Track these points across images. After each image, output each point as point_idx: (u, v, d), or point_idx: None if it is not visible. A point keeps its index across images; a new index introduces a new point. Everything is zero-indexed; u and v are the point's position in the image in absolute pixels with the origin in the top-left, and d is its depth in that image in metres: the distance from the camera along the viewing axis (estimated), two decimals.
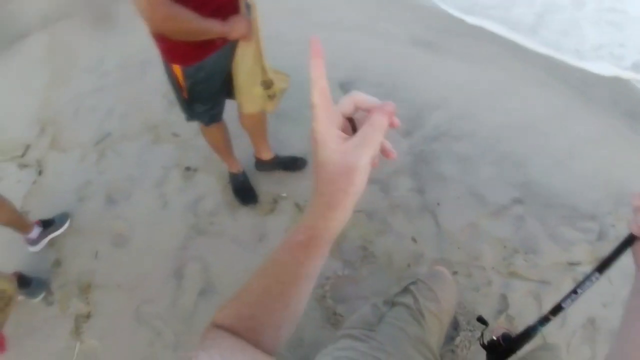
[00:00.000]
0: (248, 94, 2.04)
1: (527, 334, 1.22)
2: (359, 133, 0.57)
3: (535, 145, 2.96)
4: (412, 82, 3.32)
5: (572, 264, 2.42)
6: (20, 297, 2.31)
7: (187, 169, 2.84)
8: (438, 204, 2.64)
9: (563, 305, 1.11)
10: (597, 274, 1.02)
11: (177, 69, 1.81)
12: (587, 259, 2.42)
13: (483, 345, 1.33)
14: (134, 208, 2.72)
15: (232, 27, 1.69)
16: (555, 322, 2.12)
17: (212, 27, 1.63)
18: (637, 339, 0.75)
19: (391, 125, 0.59)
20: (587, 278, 1.03)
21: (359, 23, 3.88)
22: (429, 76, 3.40)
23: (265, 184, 2.73)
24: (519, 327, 2.13)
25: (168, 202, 2.72)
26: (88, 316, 2.36)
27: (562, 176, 2.79)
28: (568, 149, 2.95)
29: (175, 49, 1.75)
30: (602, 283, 2.24)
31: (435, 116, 3.09)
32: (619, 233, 2.59)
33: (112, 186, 2.82)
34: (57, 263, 2.57)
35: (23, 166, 3.01)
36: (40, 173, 2.96)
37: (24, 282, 2.34)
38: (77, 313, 2.37)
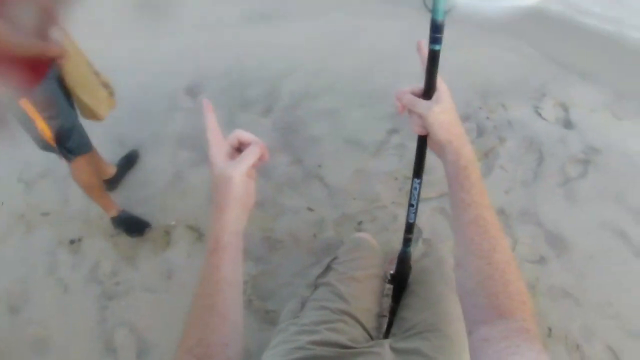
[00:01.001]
0: (96, 100, 2.19)
1: (402, 259, 1.34)
2: (238, 156, 0.81)
3: (393, 73, 3.01)
4: (259, 59, 3.31)
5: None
6: None
7: (72, 242, 2.72)
8: (319, 165, 2.68)
9: (410, 220, 1.19)
10: (416, 180, 1.08)
11: (27, 105, 1.84)
12: (474, 158, 2.51)
13: (388, 281, 1.42)
14: (38, 307, 2.58)
15: (50, 46, 1.79)
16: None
17: (34, 43, 1.72)
18: (464, 235, 0.81)
19: (262, 159, 0.86)
20: (412, 188, 1.10)
21: (191, 20, 3.76)
22: (273, 47, 3.39)
23: (149, 220, 2.68)
24: (438, 247, 2.23)
25: (68, 284, 2.60)
26: None
27: None
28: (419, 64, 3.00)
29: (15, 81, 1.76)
30: (497, 172, 2.42)
31: (289, 84, 3.10)
32: (497, 123, 2.74)
33: (8, 295, 2.66)
34: None
35: None
36: None
37: None
38: None
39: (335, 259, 1.46)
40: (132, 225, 2.64)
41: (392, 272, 1.41)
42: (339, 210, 2.49)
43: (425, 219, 2.39)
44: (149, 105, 3.16)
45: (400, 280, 1.40)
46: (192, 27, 3.76)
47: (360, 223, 2.42)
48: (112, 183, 2.80)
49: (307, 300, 1.31)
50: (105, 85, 2.27)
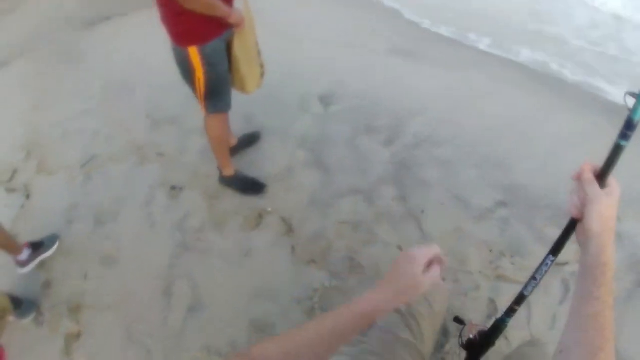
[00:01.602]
0: (251, 75, 2.42)
1: (497, 327, 1.28)
2: (429, 271, 0.95)
3: (516, 146, 3.02)
4: (392, 91, 3.42)
5: (559, 264, 2.41)
6: (11, 318, 2.33)
7: (173, 187, 2.90)
8: (422, 211, 2.70)
9: (525, 293, 1.16)
10: (551, 257, 1.08)
11: (195, 54, 2.08)
12: (574, 258, 2.39)
13: (463, 346, 1.36)
14: (122, 229, 2.77)
15: (233, 13, 2.04)
16: (544, 324, 2.19)
17: (222, 7, 1.97)
18: (579, 326, 0.83)
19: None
20: (543, 263, 1.10)
21: (338, 37, 4.00)
22: (408, 85, 3.50)
23: (249, 199, 2.80)
24: (508, 332, 2.09)
25: (155, 221, 2.77)
26: (78, 336, 2.38)
27: (544, 176, 2.82)
28: (549, 148, 3.00)
29: (193, 30, 2.04)
30: None
31: (415, 123, 3.18)
32: None
33: (100, 208, 2.86)
34: (47, 284, 2.59)
35: (11, 190, 3.04)
36: (28, 197, 3.00)
37: (15, 304, 2.35)
38: (68, 333, 2.39)
39: None
40: (248, 184, 2.82)
41: (471, 336, 1.35)
42: None
43: (506, 300, 2.26)
44: (284, 99, 3.35)
45: (480, 349, 1.34)
46: (339, 43, 3.95)
47: (442, 280, 2.40)
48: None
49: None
50: (261, 65, 2.50)
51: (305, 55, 3.80)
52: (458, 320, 1.48)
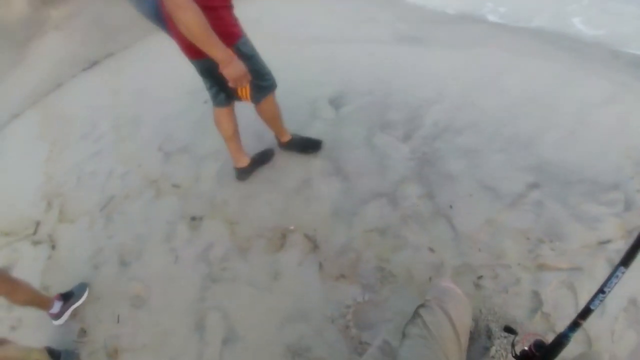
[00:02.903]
0: None
1: (559, 342, 1.17)
2: None
3: (541, 120, 2.82)
4: (403, 82, 3.26)
5: (602, 243, 2.23)
6: None
7: (193, 218, 2.86)
8: (450, 206, 2.54)
9: (592, 307, 1.07)
10: (622, 269, 0.99)
11: None
12: (617, 234, 2.23)
13: (516, 357, 1.27)
14: (147, 267, 2.74)
15: (228, 65, 1.95)
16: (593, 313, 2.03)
17: (216, 46, 1.87)
18: None
19: None
20: (613, 274, 1.01)
21: (340, 32, 3.87)
22: (420, 72, 3.34)
23: (269, 219, 2.72)
24: (556, 325, 2.01)
25: (179, 255, 2.73)
26: None
27: (575, 148, 2.63)
28: (576, 117, 2.80)
29: (228, 32, 2.03)
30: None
31: (432, 113, 3.02)
32: None
33: (123, 248, 2.85)
34: (83, 332, 2.60)
35: (36, 243, 3.08)
36: (53, 247, 3.02)
37: (54, 356, 2.37)
38: None
39: (422, 305, 1.38)
40: (305, 144, 2.95)
41: (525, 348, 1.25)
42: (461, 259, 2.33)
43: (550, 290, 2.15)
44: (293, 108, 3.23)
45: None
46: (341, 38, 3.83)
47: (480, 278, 2.25)
48: (243, 174, 2.92)
49: (397, 352, 1.25)
50: None
51: (309, 57, 3.70)
52: (509, 330, 1.39)
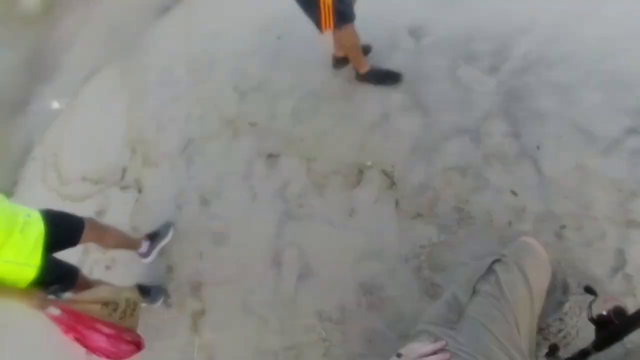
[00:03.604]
0: None
1: None
2: None
3: None
4: (490, 9, 2.93)
5: None
6: (143, 305, 2.48)
7: (270, 155, 2.85)
8: (538, 147, 2.30)
9: None
10: None
11: None
12: None
13: (592, 320, 1.19)
14: (227, 205, 2.80)
15: None
16: None
17: None
18: None
19: None
20: None
21: None
22: None
23: (345, 155, 2.64)
24: (637, 288, 1.80)
25: (257, 193, 2.75)
26: (202, 312, 2.50)
27: None
28: None
29: None
30: None
31: (522, 43, 2.68)
32: None
33: (204, 188, 2.93)
34: (170, 269, 2.74)
35: (124, 188, 3.25)
36: (140, 191, 3.17)
37: (144, 292, 2.53)
38: (193, 311, 2.52)
39: (498, 260, 1.28)
40: (384, 76, 2.84)
41: (604, 312, 1.16)
42: (545, 205, 2.13)
43: (637, 250, 1.91)
44: (370, 39, 2.98)
45: (617, 330, 1.13)
46: None
47: (563, 227, 2.03)
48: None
49: (465, 309, 1.17)
50: None
51: None
52: (589, 290, 1.31)
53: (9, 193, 3.87)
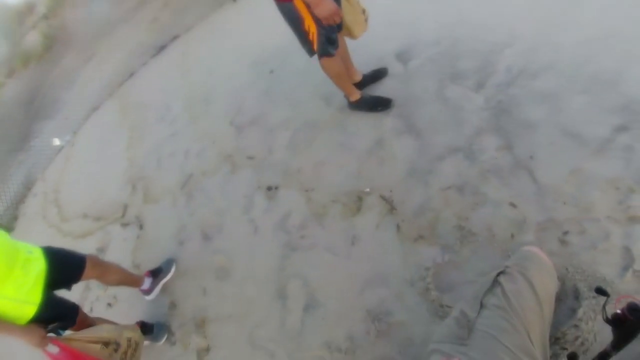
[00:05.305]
0: (356, 22, 2.58)
1: None
2: None
3: (624, 55, 2.49)
4: (471, 28, 3.01)
5: None
6: (146, 343, 2.46)
7: (269, 188, 2.87)
8: (531, 157, 2.32)
9: None
10: None
11: (300, 3, 2.21)
12: None
13: (607, 320, 1.17)
14: (229, 239, 2.80)
15: (319, 4, 2.13)
16: None
17: None
18: None
19: None
20: None
21: None
22: (487, 13, 3.07)
23: (343, 184, 2.66)
24: None
25: (258, 226, 2.76)
26: (208, 349, 2.45)
27: None
28: None
29: None
30: None
31: (505, 57, 2.76)
32: None
33: (205, 224, 2.94)
34: (173, 305, 2.71)
35: (125, 225, 3.25)
36: (141, 227, 3.17)
37: (147, 329, 2.52)
38: (198, 348, 2.48)
39: (502, 272, 1.30)
40: (375, 103, 2.90)
41: (618, 311, 1.14)
42: (545, 214, 2.13)
43: None
44: (359, 66, 3.10)
45: (634, 325, 1.12)
46: None
47: (566, 233, 2.03)
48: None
49: (474, 324, 1.18)
50: (364, 10, 2.61)
51: (370, 11, 3.54)
52: (601, 291, 1.27)
53: (10, 228, 3.90)
